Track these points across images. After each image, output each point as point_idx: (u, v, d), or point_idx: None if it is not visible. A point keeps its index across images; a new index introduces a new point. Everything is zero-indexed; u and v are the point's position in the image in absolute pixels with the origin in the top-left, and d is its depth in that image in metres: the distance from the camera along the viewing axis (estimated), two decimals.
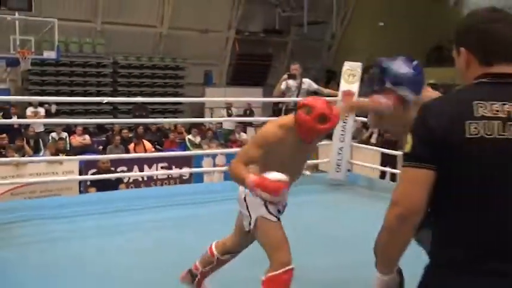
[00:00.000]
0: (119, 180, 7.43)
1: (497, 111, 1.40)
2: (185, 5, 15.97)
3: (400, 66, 2.78)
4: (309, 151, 3.25)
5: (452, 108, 1.45)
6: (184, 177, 8.89)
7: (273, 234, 2.85)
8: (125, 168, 8.32)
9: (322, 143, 7.35)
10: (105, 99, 5.48)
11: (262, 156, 2.82)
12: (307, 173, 6.85)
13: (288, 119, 3.01)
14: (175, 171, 8.49)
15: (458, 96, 1.51)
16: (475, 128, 1.39)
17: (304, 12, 17.16)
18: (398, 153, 7.53)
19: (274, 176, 2.70)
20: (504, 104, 1.41)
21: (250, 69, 17.89)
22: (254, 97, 15.60)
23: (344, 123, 6.29)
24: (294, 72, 7.19)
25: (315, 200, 5.88)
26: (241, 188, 2.91)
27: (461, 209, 1.46)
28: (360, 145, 9.19)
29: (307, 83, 7.04)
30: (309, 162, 7.63)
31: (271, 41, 18.45)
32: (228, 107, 14.11)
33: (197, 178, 8.86)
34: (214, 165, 9.04)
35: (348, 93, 6.28)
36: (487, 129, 1.39)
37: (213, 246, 3.18)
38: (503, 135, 1.39)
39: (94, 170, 7.57)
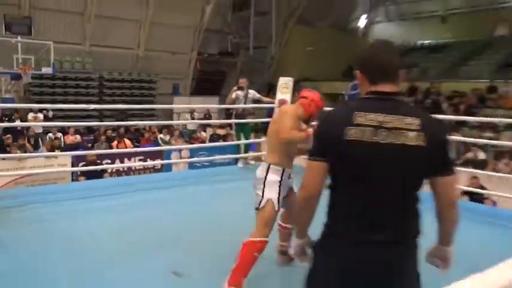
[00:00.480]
0: (104, 171, 7.22)
1: (371, 120, 1.42)
2: (157, 32, 15.81)
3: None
4: None
5: (338, 116, 1.50)
6: (157, 168, 8.73)
7: (270, 216, 2.78)
8: (109, 161, 8.13)
9: (262, 139, 7.39)
10: (92, 106, 5.30)
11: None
12: (252, 162, 6.85)
13: (293, 108, 2.99)
14: (149, 163, 8.32)
15: (346, 108, 1.54)
16: (353, 133, 1.42)
17: (250, 39, 17.25)
18: None
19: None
20: (378, 115, 1.43)
21: (209, 82, 17.81)
22: (212, 104, 15.54)
23: None
24: (242, 84, 7.16)
25: None
26: (261, 172, 2.83)
27: (343, 192, 1.50)
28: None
29: (252, 93, 7.03)
30: (253, 154, 7.67)
31: (224, 61, 18.43)
32: (192, 112, 13.98)
33: (167, 168, 8.73)
34: (181, 157, 8.95)
35: (282, 101, 6.30)
36: (361, 134, 1.41)
37: (282, 223, 3.07)
38: (374, 139, 1.41)
39: (83, 163, 7.33)
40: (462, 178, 7.29)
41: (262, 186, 2.80)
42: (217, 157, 7.77)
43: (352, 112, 1.45)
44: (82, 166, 7.22)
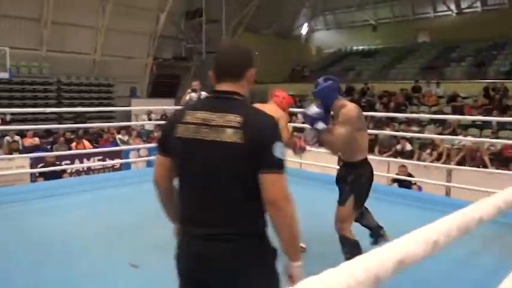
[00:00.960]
0: (63, 172, 6.88)
1: (197, 118, 1.37)
2: (114, 38, 15.22)
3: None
4: None
5: (175, 115, 1.47)
6: (116, 167, 8.45)
7: None
8: (68, 162, 7.76)
9: None
10: (49, 110, 5.01)
11: None
12: None
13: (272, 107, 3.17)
14: (108, 162, 8.04)
15: (186, 107, 1.49)
16: (180, 130, 1.38)
17: (203, 44, 17.07)
18: None
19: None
20: (204, 113, 1.37)
21: (165, 85, 17.41)
22: (168, 106, 15.24)
23: None
24: (195, 87, 7.08)
25: None
26: None
27: (180, 186, 1.46)
28: None
29: (204, 95, 6.96)
30: None
31: (179, 65, 18.12)
32: (149, 113, 13.65)
33: (126, 167, 8.47)
34: (139, 156, 8.71)
35: None
36: (186, 131, 1.38)
37: None
38: (196, 136, 1.36)
39: (42, 164, 6.94)
40: (393, 167, 7.62)
41: None
42: None
43: (185, 110, 1.43)
44: (41, 168, 6.84)
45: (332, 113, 2.74)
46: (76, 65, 14.86)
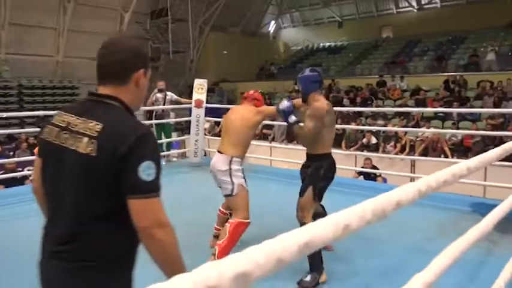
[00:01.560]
0: (25, 178, 6.66)
1: (63, 121, 1.22)
2: (77, 39, 14.80)
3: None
4: None
5: (56, 118, 1.28)
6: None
7: (246, 197, 2.93)
8: (31, 168, 7.51)
9: (183, 137, 7.31)
10: (4, 114, 4.85)
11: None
12: (174, 159, 6.76)
13: (250, 107, 3.21)
14: None
15: (63, 107, 1.33)
16: (46, 132, 1.26)
17: (170, 44, 16.88)
18: None
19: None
20: (69, 116, 1.22)
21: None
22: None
23: (197, 123, 6.27)
24: (161, 87, 7.02)
25: (182, 177, 5.88)
26: (221, 164, 2.95)
27: (44, 194, 1.30)
28: (214, 137, 9.27)
29: (170, 95, 6.91)
30: (176, 151, 7.55)
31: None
32: None
33: None
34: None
35: (198, 101, 6.27)
36: (50, 133, 1.24)
37: (221, 208, 3.25)
38: (56, 141, 1.21)
39: (2, 171, 6.70)
40: (359, 161, 7.81)
41: (228, 176, 2.92)
42: None
43: (60, 110, 1.29)
44: (1, 175, 6.59)
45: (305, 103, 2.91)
46: (38, 68, 14.37)
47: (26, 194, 4.91)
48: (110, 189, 1.14)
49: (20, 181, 6.33)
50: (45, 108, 13.55)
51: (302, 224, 2.76)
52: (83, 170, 1.14)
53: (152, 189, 1.13)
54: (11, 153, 9.48)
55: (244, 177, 3.00)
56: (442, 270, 1.09)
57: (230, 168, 2.94)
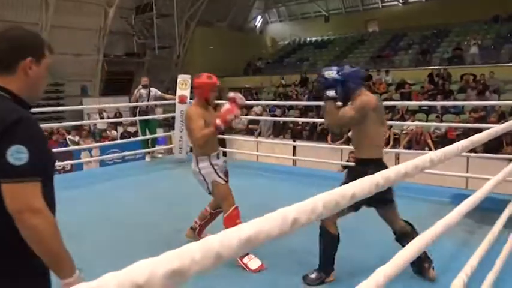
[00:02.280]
0: None
1: None
2: (60, 35, 14.48)
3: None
4: (213, 111, 3.11)
5: None
6: (66, 169, 8.14)
7: (222, 191, 2.93)
8: None
9: (169, 133, 7.26)
10: None
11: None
12: (159, 155, 6.72)
13: (193, 108, 3.03)
14: (57, 164, 7.72)
15: None
16: None
17: (155, 40, 16.72)
18: (226, 136, 7.80)
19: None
20: None
21: (118, 83, 16.83)
22: (121, 104, 14.85)
23: (181, 119, 6.24)
24: (144, 83, 6.95)
25: (166, 173, 5.87)
26: (193, 165, 2.96)
27: None
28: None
29: (154, 91, 6.85)
30: (161, 147, 7.50)
31: (131, 61, 17.64)
32: (100, 112, 13.24)
33: (78, 167, 8.20)
34: (91, 156, 8.45)
35: (182, 97, 6.23)
36: None
37: (208, 207, 3.23)
38: None
39: None
40: (346, 155, 7.86)
41: (201, 176, 2.94)
42: (126, 153, 7.46)
43: None
44: None
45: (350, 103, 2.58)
46: None
47: None
48: None
49: None
50: None
51: (322, 227, 2.56)
52: None
53: (22, 173, 1.11)
54: None
55: (216, 171, 2.94)
56: (405, 262, 1.10)
57: (199, 168, 2.94)
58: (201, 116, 2.89)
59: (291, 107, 11.98)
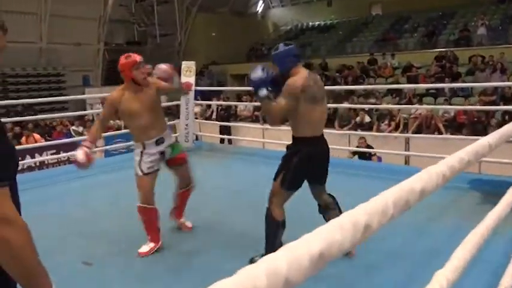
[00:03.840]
0: None
1: None
2: (60, 24, 14.37)
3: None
4: (151, 94, 2.89)
5: None
6: (71, 159, 8.05)
7: (141, 185, 2.81)
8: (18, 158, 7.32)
9: (174, 122, 7.12)
10: None
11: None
12: None
13: (118, 89, 2.94)
14: (62, 155, 7.63)
15: None
16: None
17: (156, 27, 16.48)
18: (231, 124, 7.68)
19: None
20: None
21: (119, 72, 16.66)
22: None
23: (186, 106, 6.09)
24: (147, 71, 6.78)
25: None
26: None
27: None
28: (205, 121, 9.13)
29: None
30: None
31: (133, 50, 17.33)
32: (102, 101, 13.08)
33: None
34: (96, 146, 8.34)
35: (187, 84, 6.06)
36: None
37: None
38: None
39: None
40: (353, 140, 7.71)
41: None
42: (130, 143, 7.32)
43: None
44: None
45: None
46: (21, 56, 13.90)
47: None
48: None
49: None
50: (30, 97, 13.22)
51: (267, 211, 2.49)
52: None
53: None
54: None
55: (141, 161, 2.80)
56: (464, 264, 0.97)
57: (135, 157, 2.87)
58: (111, 104, 2.82)
59: None
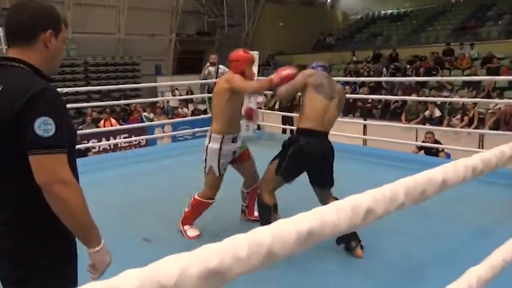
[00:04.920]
0: (88, 150, 7.05)
1: None
2: (136, 16, 15.25)
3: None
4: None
5: None
6: (142, 144, 8.58)
7: (212, 180, 2.87)
8: (95, 141, 7.95)
9: None
10: (65, 89, 5.12)
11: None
12: None
13: (228, 75, 2.92)
14: (133, 139, 8.14)
15: None
16: None
17: (225, 18, 16.83)
18: (293, 114, 7.66)
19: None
20: None
21: (189, 61, 17.29)
22: (193, 81, 15.27)
23: (249, 96, 6.17)
24: (213, 60, 7.00)
25: None
26: (206, 139, 2.90)
27: None
28: (268, 111, 9.22)
29: (222, 68, 6.86)
30: None
31: (202, 40, 17.98)
32: (173, 90, 13.72)
33: (152, 143, 8.57)
34: (163, 132, 8.79)
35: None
36: None
37: (242, 188, 3.22)
38: None
39: None
40: (421, 135, 7.33)
41: (205, 153, 2.86)
42: (196, 130, 7.63)
43: None
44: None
45: None
46: (101, 45, 15.04)
47: (88, 164, 5.20)
48: (12, 149, 1.12)
49: (83, 153, 6.70)
50: (108, 84, 14.24)
51: (258, 196, 2.66)
52: None
53: (51, 145, 1.11)
54: (80, 127, 10.11)
55: (220, 159, 2.80)
56: (504, 263, 0.91)
57: (207, 146, 2.84)
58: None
59: (362, 84, 11.40)
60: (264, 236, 0.39)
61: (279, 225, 0.41)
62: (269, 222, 2.08)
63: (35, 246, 1.18)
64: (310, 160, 2.51)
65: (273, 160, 2.63)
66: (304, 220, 0.42)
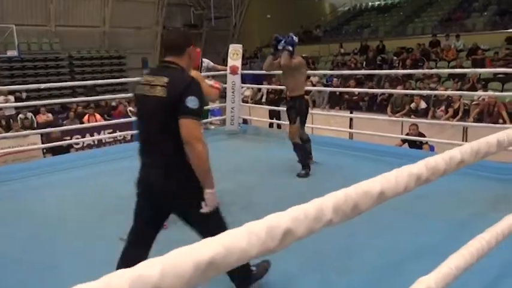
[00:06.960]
0: (70, 146, 6.92)
1: (147, 80, 1.86)
2: (121, 9, 15.03)
3: (285, 37, 4.13)
4: None
5: (143, 79, 1.93)
6: (127, 139, 8.44)
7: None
8: (79, 137, 7.79)
9: (221, 104, 7.20)
10: (43, 85, 4.99)
11: None
12: (212, 126, 6.71)
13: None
14: (117, 134, 7.98)
15: (146, 71, 1.98)
16: (138, 88, 1.92)
17: (212, 10, 16.65)
18: (280, 108, 7.60)
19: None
20: (150, 76, 1.87)
21: None
22: None
23: (232, 90, 6.12)
24: None
25: (217, 144, 5.79)
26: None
27: (137, 128, 1.97)
28: (254, 105, 9.15)
29: (206, 62, 6.75)
30: (217, 118, 7.50)
31: (189, 33, 17.81)
32: None
33: (136, 138, 8.46)
34: None
35: (233, 67, 6.09)
36: (139, 89, 1.90)
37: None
38: (143, 92, 1.85)
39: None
40: (406, 128, 7.34)
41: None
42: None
43: (145, 75, 1.93)
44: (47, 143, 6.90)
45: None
46: (86, 39, 14.78)
47: (71, 161, 5.10)
48: (174, 117, 1.75)
49: (66, 150, 6.58)
50: (94, 78, 13.98)
51: (294, 143, 4.17)
52: (159, 106, 1.80)
53: (194, 113, 1.76)
54: (64, 122, 9.91)
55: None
56: (457, 272, 0.88)
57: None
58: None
59: (349, 77, 11.38)
60: (151, 270, 0.35)
61: (173, 256, 0.37)
62: (310, 153, 4.76)
63: (183, 180, 1.83)
64: (307, 110, 4.37)
65: (293, 121, 4.15)
66: (205, 248, 0.38)
